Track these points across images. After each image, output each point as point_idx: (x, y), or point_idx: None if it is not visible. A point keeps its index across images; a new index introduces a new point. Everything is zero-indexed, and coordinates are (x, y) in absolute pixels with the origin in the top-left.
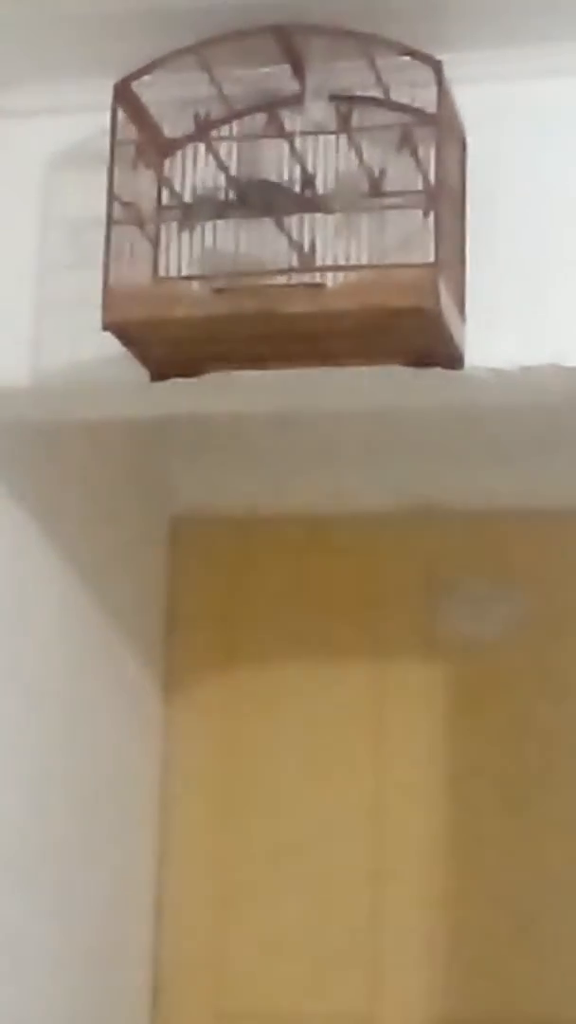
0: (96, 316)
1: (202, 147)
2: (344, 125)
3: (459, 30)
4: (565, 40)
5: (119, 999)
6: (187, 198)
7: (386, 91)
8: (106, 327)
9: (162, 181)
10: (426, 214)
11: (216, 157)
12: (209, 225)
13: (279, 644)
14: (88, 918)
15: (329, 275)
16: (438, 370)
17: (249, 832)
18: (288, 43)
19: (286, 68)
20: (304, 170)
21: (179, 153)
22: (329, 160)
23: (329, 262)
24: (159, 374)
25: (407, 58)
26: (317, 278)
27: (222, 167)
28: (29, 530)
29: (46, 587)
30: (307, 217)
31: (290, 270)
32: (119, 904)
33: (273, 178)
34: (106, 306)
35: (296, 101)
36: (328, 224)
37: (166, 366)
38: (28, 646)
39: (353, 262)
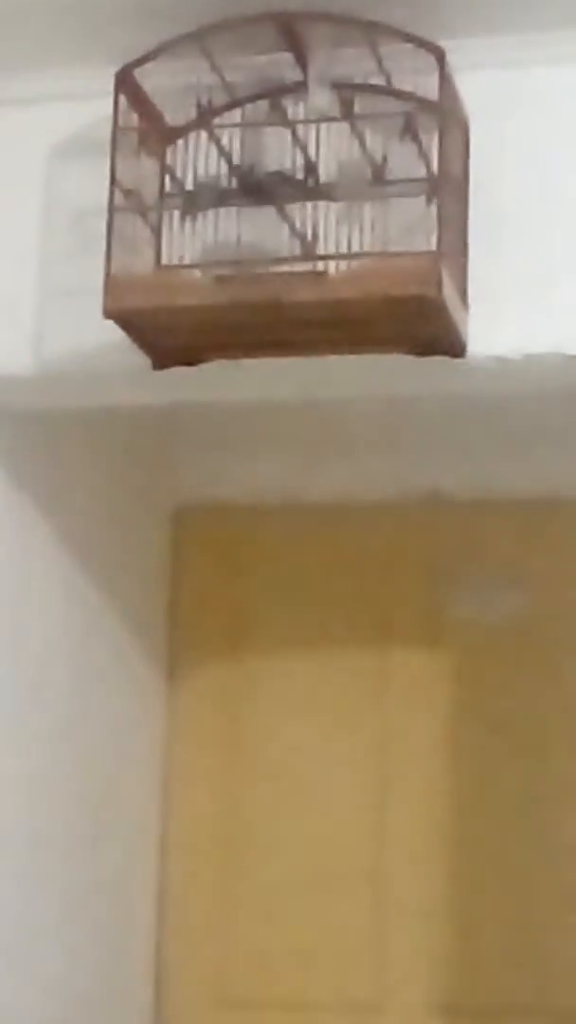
0: (98, 304)
1: (204, 135)
2: (347, 113)
3: (462, 17)
4: (568, 27)
5: (123, 987)
6: (189, 186)
7: (388, 78)
8: (108, 315)
9: (164, 169)
10: (429, 202)
11: (218, 145)
12: (211, 213)
13: (282, 634)
14: (91, 907)
15: (332, 263)
16: (441, 358)
17: (252, 821)
18: (290, 30)
19: (288, 55)
20: (307, 158)
21: (181, 141)
22: (332, 148)
23: (332, 250)
24: (162, 363)
25: (410, 45)
26: (320, 266)
27: (224, 155)
28: (32, 519)
29: (49, 577)
30: (310, 205)
31: (293, 258)
32: (122, 893)
33: (275, 166)
34: (108, 294)
35: (298, 88)
36: (331, 212)
37: (169, 354)
38: (31, 636)
39: (356, 250)
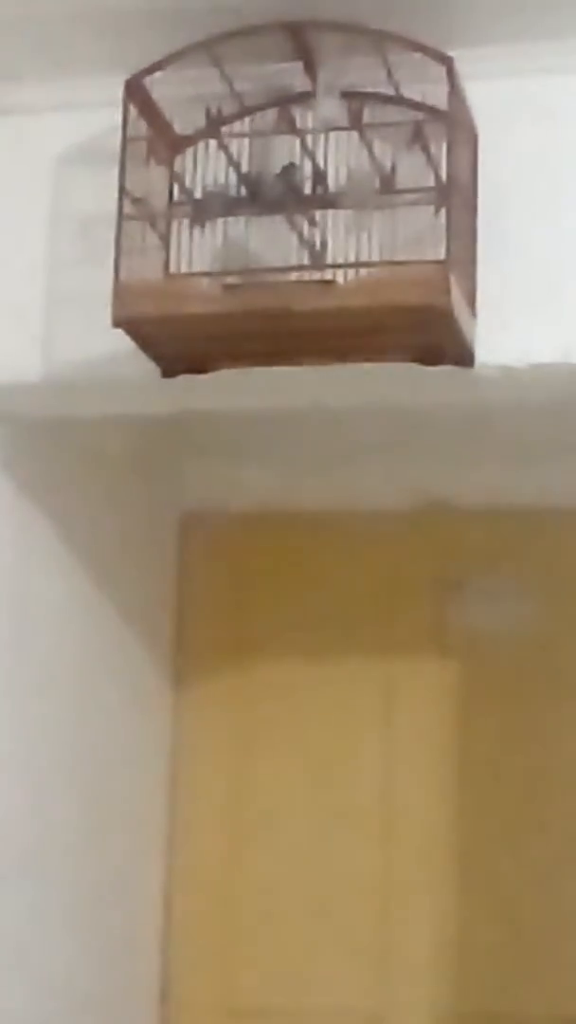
0: (107, 312)
1: (213, 143)
2: (355, 122)
3: (471, 26)
4: None
5: (127, 988)
6: (198, 194)
7: (397, 88)
8: (116, 324)
9: (173, 177)
10: (437, 211)
11: (227, 153)
12: (220, 222)
13: (288, 641)
14: (96, 908)
15: (340, 272)
16: (449, 367)
17: (257, 827)
18: (299, 39)
19: (297, 64)
20: (315, 167)
21: (190, 149)
22: (340, 157)
23: (340, 259)
24: (170, 371)
25: (419, 54)
26: (328, 275)
27: (233, 164)
28: (39, 525)
29: (56, 582)
30: (318, 214)
31: (301, 267)
32: (128, 897)
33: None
34: (116, 302)
35: (307, 98)
36: (339, 221)
37: (177, 362)
38: (37, 640)
39: (364, 259)
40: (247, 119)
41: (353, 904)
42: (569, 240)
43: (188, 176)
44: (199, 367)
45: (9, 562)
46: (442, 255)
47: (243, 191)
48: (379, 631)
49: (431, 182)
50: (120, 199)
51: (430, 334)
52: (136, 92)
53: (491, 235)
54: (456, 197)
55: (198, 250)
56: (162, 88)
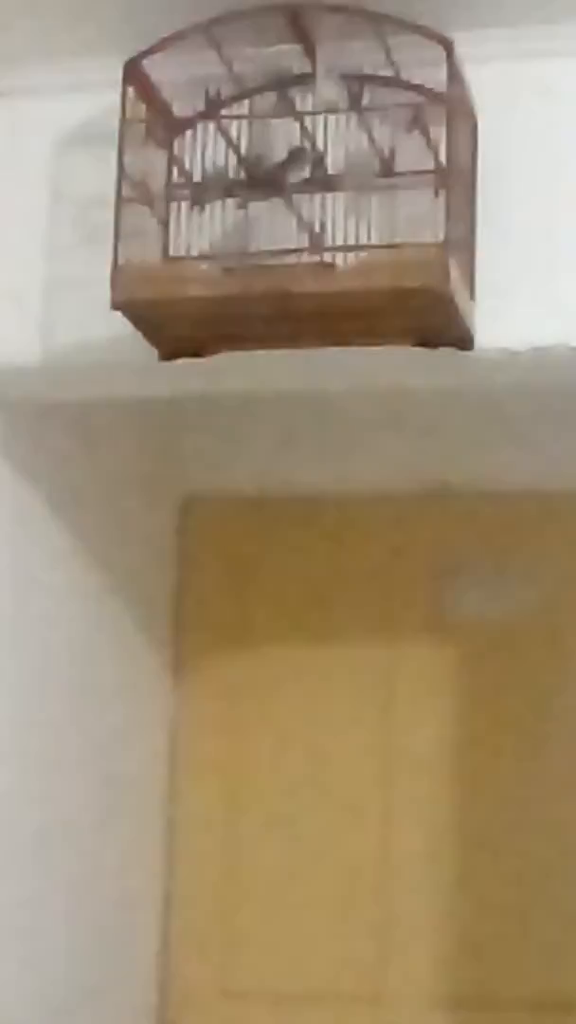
0: (105, 296)
1: (212, 126)
2: (355, 104)
3: (470, 9)
4: None
5: (127, 977)
6: (197, 177)
7: (397, 70)
8: (115, 307)
9: (172, 160)
10: (436, 194)
11: (226, 136)
12: (219, 204)
13: (289, 626)
14: (96, 897)
15: (339, 255)
16: (448, 350)
17: (258, 814)
18: (299, 22)
19: (297, 47)
20: (315, 149)
21: (189, 132)
22: (339, 139)
23: (339, 242)
24: (169, 354)
25: (418, 37)
26: (327, 258)
27: (232, 146)
28: (38, 509)
29: (55, 567)
30: (317, 197)
31: (300, 250)
32: (128, 885)
33: (283, 157)
34: (115, 285)
35: (307, 80)
36: (338, 204)
37: (176, 346)
38: (36, 627)
39: (363, 242)
40: (246, 101)
41: (352, 889)
42: (568, 223)
43: (187, 159)
44: (198, 350)
45: (8, 546)
46: (441, 238)
47: (242, 174)
48: (379, 615)
49: (430, 165)
50: (119, 182)
51: (429, 317)
52: (135, 74)
53: (490, 218)
54: (455, 180)
55: (197, 233)
56: (161, 70)
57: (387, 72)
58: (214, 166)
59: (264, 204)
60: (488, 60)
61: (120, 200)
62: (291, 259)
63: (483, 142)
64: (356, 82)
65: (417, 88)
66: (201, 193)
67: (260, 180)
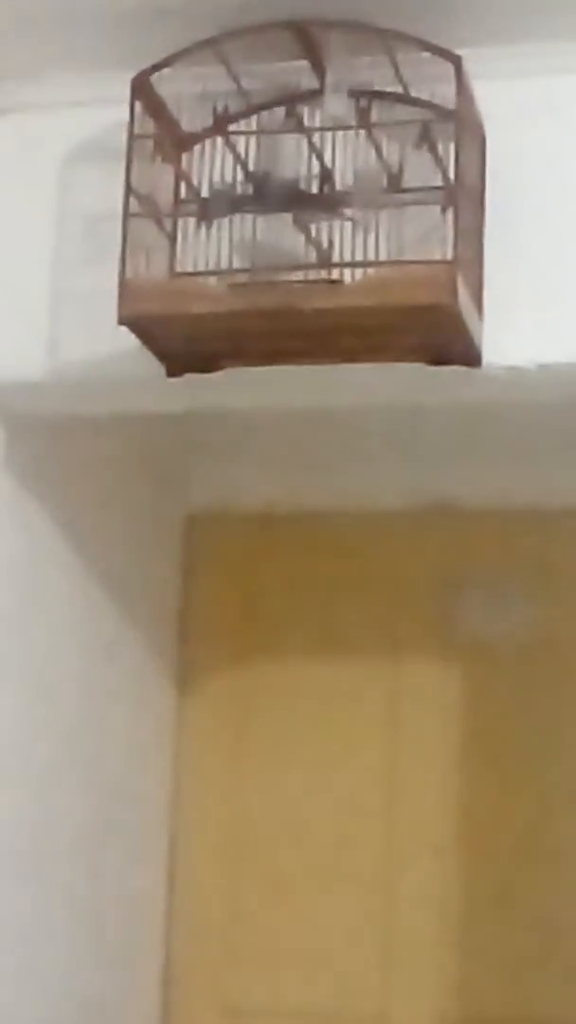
0: (112, 310)
1: (220, 141)
2: (363, 120)
3: (479, 26)
4: None
5: (129, 993)
6: (204, 193)
7: (405, 87)
8: (122, 322)
9: (179, 175)
10: (444, 211)
11: (234, 152)
12: (227, 220)
13: (293, 642)
14: (98, 912)
15: (347, 271)
16: (455, 367)
17: (261, 829)
18: (307, 38)
19: (305, 63)
20: (322, 165)
21: (197, 147)
22: (348, 156)
23: (347, 258)
24: (175, 370)
25: (427, 54)
26: (335, 274)
27: (240, 162)
28: (43, 525)
29: (60, 583)
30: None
31: (308, 266)
32: (129, 898)
33: (291, 174)
34: (122, 300)
35: (315, 96)
36: (346, 220)
37: (182, 361)
38: (41, 642)
39: (371, 258)
40: (254, 117)
41: (357, 906)
42: None
43: (194, 174)
44: (205, 366)
45: (13, 562)
46: (449, 255)
47: (249, 189)
48: (384, 632)
49: (439, 182)
50: (126, 197)
51: (437, 334)
52: (143, 89)
53: (499, 235)
54: (464, 197)
55: (204, 249)
56: (169, 86)
57: (396, 88)
58: (222, 181)
59: (272, 220)
60: (496, 77)
61: (128, 215)
62: (299, 275)
63: (491, 159)
64: (364, 98)
65: (426, 104)
66: (208, 209)
67: (268, 196)
